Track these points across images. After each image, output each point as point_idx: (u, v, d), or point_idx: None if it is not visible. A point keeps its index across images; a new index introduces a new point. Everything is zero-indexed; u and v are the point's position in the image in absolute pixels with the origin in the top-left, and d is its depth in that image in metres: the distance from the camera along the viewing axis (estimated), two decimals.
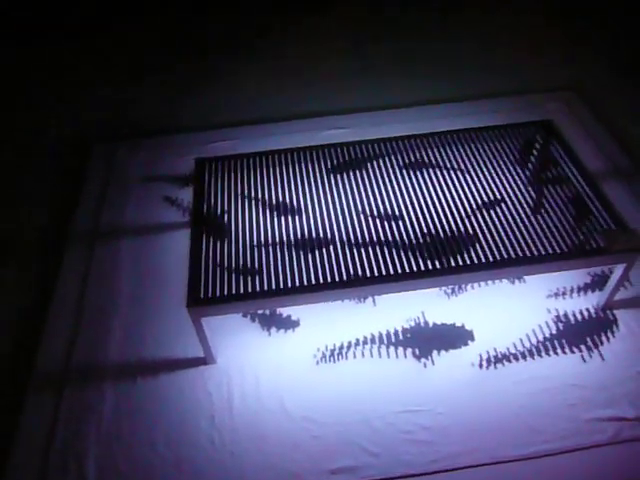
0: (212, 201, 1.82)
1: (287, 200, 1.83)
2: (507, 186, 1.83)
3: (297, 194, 1.84)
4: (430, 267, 1.59)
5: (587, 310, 1.76)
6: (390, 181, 1.87)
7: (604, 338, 1.70)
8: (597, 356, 1.65)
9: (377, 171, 1.91)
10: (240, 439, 1.53)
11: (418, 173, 1.88)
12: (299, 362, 1.69)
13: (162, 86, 2.82)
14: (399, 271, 1.58)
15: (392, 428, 1.53)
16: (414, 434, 1.52)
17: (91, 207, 2.19)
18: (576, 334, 1.71)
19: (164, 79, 2.86)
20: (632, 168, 2.24)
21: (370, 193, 1.83)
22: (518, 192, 1.80)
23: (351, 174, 1.90)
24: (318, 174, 1.90)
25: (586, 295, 1.81)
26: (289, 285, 1.56)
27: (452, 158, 1.94)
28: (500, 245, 1.64)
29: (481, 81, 2.73)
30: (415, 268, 1.59)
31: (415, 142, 1.99)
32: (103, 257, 2.00)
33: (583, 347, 1.68)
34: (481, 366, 1.65)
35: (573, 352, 1.67)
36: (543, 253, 1.60)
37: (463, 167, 1.90)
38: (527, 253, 1.60)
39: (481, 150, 1.96)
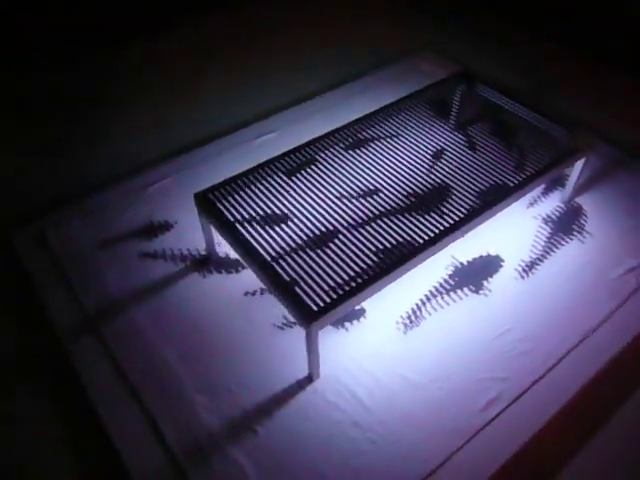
0: (240, 227, 1.76)
1: (291, 207, 1.86)
2: (445, 137, 2.14)
3: (295, 200, 1.89)
4: (451, 222, 1.77)
5: (559, 206, 2.16)
6: (349, 164, 2.02)
7: (582, 221, 2.11)
8: (587, 234, 2.06)
9: (334, 160, 2.04)
10: (394, 427, 1.56)
11: (369, 149, 2.08)
12: (389, 341, 1.75)
13: (37, 151, 2.49)
14: (432, 233, 1.74)
15: (498, 351, 1.72)
16: (514, 350, 1.73)
17: (60, 296, 1.90)
18: (564, 226, 2.09)
19: (38, 141, 2.53)
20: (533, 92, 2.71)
21: (340, 180, 1.96)
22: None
23: (311, 171, 1.99)
24: (294, 180, 1.96)
25: (550, 196, 2.20)
26: (365, 274, 1.63)
27: (395, 128, 2.18)
28: (479, 186, 1.92)
29: (355, 61, 3.00)
30: (442, 227, 1.75)
31: (358, 125, 2.15)
32: (120, 337, 1.77)
33: (576, 232, 2.06)
34: (523, 277, 1.92)
35: (571, 238, 2.04)
36: (521, 177, 1.93)
37: (406, 133, 2.16)
38: (510, 183, 1.91)
39: (415, 115, 2.25)
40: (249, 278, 1.91)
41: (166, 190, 2.26)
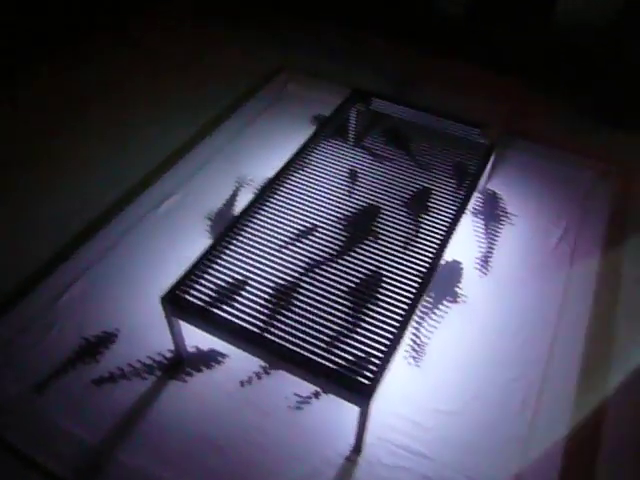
0: None
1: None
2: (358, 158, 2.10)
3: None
4: (433, 247, 1.81)
5: (478, 197, 2.29)
6: (280, 208, 1.87)
7: (502, 205, 2.27)
8: (512, 215, 2.23)
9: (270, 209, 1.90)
10: (459, 462, 1.54)
11: (288, 189, 1.94)
12: (408, 379, 1.71)
13: None
14: (423, 268, 1.76)
15: (504, 350, 1.79)
16: (515, 343, 1.82)
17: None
18: (491, 214, 2.22)
19: None
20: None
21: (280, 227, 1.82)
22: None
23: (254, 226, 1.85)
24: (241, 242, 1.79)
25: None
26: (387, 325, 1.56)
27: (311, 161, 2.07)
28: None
29: (214, 98, 2.79)
30: (428, 258, 1.78)
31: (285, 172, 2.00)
32: None
33: (502, 217, 2.22)
34: (485, 273, 2.02)
35: (502, 224, 2.19)
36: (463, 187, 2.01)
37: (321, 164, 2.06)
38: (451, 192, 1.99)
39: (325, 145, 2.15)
40: (236, 365, 1.72)
41: (81, 295, 1.89)
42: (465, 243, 2.11)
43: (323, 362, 1.44)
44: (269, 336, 1.50)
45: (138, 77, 2.91)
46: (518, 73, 2.93)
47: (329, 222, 1.85)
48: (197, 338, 1.70)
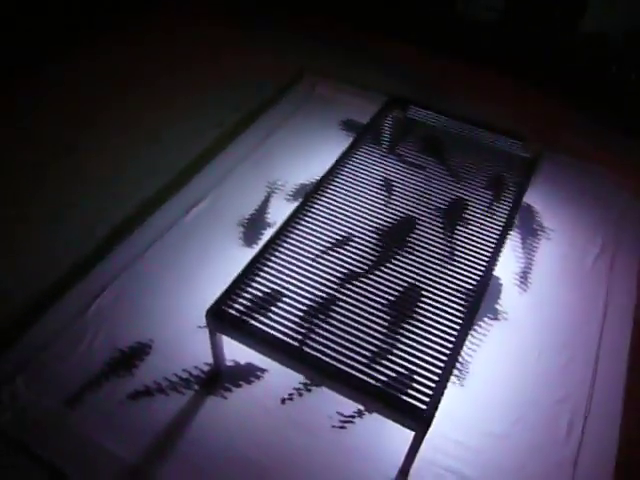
0: None
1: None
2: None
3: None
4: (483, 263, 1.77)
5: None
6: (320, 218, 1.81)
7: (538, 219, 2.23)
8: (549, 230, 2.19)
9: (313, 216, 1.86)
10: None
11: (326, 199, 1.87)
12: (454, 399, 1.65)
13: None
14: (474, 280, 1.71)
15: (547, 369, 1.75)
16: (559, 363, 1.78)
17: None
18: (528, 228, 2.18)
19: None
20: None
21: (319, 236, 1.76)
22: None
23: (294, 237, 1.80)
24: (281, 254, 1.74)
25: None
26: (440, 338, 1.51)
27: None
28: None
29: (244, 98, 2.72)
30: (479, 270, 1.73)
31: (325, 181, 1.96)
32: None
33: (539, 232, 2.18)
34: (525, 289, 1.98)
35: (539, 238, 2.15)
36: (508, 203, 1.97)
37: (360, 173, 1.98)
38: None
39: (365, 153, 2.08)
40: (275, 380, 1.67)
41: (112, 305, 1.83)
42: (503, 258, 2.06)
43: (373, 382, 1.39)
44: (316, 353, 1.44)
45: (155, 77, 2.84)
46: (551, 84, 2.89)
47: (367, 232, 1.78)
48: (235, 351, 1.65)
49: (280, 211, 2.14)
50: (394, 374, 1.42)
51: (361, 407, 1.61)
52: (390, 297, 1.59)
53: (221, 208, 2.16)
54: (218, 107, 2.67)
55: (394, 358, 1.45)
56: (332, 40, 3.15)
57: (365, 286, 1.61)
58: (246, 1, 3.47)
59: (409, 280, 1.64)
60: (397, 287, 1.62)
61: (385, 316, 1.55)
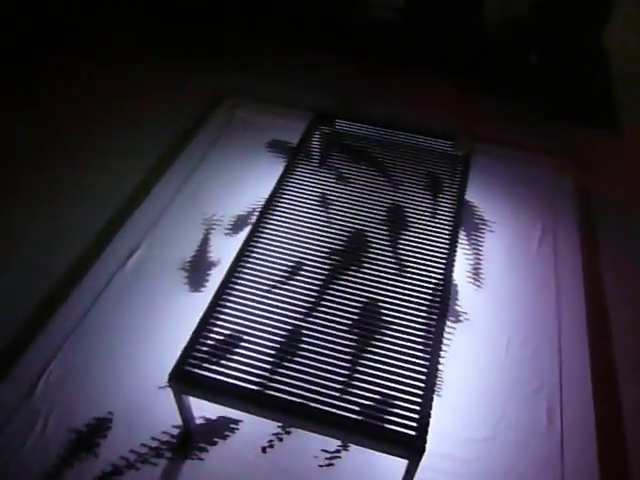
0: None
1: None
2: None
3: None
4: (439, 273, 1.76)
5: None
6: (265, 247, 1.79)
7: (478, 213, 2.26)
8: (490, 222, 2.22)
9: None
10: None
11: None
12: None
13: None
14: (434, 297, 1.70)
15: (517, 363, 1.77)
16: (526, 355, 1.81)
17: None
18: (470, 224, 2.21)
19: None
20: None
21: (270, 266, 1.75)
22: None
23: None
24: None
25: None
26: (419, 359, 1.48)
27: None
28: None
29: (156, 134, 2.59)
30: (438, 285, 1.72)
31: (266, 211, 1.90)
32: None
33: (481, 225, 2.21)
34: (479, 286, 1.99)
35: (482, 232, 2.18)
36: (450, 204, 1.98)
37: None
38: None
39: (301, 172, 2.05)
40: (252, 430, 1.59)
41: (61, 381, 1.68)
42: None
43: (350, 415, 1.33)
44: (281, 395, 1.36)
45: (65, 127, 2.67)
46: (461, 75, 2.96)
47: (317, 256, 1.72)
48: (204, 407, 1.54)
49: (222, 247, 2.06)
50: (372, 402, 1.37)
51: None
52: (352, 318, 1.55)
53: (159, 254, 2.04)
54: (139, 149, 2.53)
55: (368, 385, 1.40)
56: (250, 59, 3.08)
57: (324, 312, 1.56)
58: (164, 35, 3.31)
59: (369, 296, 1.60)
60: (356, 306, 1.58)
61: (350, 339, 1.50)
